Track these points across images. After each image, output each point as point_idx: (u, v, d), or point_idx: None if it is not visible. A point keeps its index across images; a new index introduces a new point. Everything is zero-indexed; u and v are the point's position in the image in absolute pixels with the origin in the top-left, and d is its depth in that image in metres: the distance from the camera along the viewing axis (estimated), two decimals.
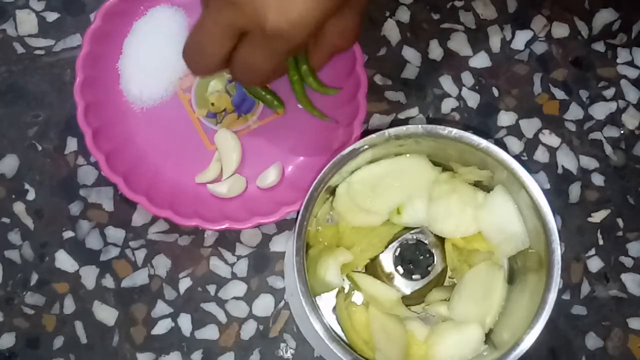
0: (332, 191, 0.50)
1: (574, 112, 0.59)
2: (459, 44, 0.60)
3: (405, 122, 0.58)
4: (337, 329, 0.50)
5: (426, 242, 0.51)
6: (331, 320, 0.51)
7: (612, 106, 0.59)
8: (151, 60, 0.56)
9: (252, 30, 0.38)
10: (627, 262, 0.57)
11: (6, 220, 0.55)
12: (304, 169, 0.55)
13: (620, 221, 0.57)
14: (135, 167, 0.54)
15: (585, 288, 0.56)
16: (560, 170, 0.58)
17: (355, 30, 0.42)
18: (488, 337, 0.48)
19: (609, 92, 0.59)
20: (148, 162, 0.55)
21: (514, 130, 0.58)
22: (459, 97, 0.59)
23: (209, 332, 0.55)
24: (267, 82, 0.44)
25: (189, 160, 0.56)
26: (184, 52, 0.42)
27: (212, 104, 0.57)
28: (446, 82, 0.59)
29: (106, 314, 0.54)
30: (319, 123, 0.54)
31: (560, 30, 0.60)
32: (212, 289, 0.55)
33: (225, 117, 0.57)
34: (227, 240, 0.56)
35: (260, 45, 0.39)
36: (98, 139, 0.53)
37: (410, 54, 0.59)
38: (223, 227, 0.52)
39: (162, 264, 0.55)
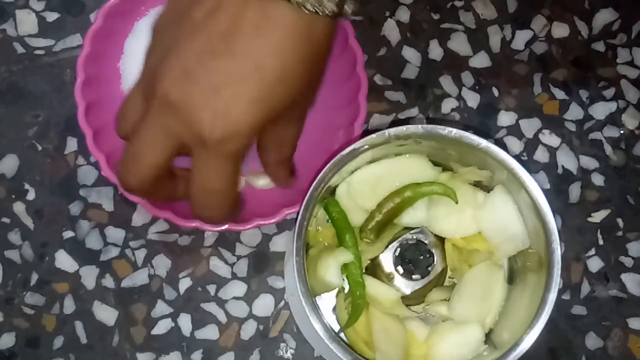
0: (332, 191, 0.50)
1: (574, 112, 0.59)
2: (459, 43, 0.60)
3: (405, 122, 0.58)
4: (337, 329, 0.50)
5: (426, 242, 0.51)
6: (331, 320, 0.51)
7: (612, 106, 0.59)
8: None
9: (191, 142, 0.36)
10: (627, 262, 0.57)
11: (6, 220, 0.55)
12: (304, 169, 0.55)
13: (620, 221, 0.57)
14: None
15: (585, 288, 0.56)
16: (560, 170, 0.58)
17: (292, 142, 0.42)
18: (488, 337, 0.48)
19: (609, 92, 0.59)
20: None
21: (514, 130, 0.58)
22: (459, 97, 0.59)
23: (209, 332, 0.55)
24: (228, 208, 0.39)
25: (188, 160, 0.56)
26: (119, 164, 0.39)
27: None
28: (446, 82, 0.59)
29: (106, 314, 0.54)
30: (319, 124, 0.54)
31: (560, 30, 0.60)
32: (212, 289, 0.55)
33: None
34: (227, 240, 0.56)
35: (204, 158, 0.36)
36: (98, 139, 0.53)
37: (410, 54, 0.59)
38: (223, 228, 0.52)
39: (162, 264, 0.55)
